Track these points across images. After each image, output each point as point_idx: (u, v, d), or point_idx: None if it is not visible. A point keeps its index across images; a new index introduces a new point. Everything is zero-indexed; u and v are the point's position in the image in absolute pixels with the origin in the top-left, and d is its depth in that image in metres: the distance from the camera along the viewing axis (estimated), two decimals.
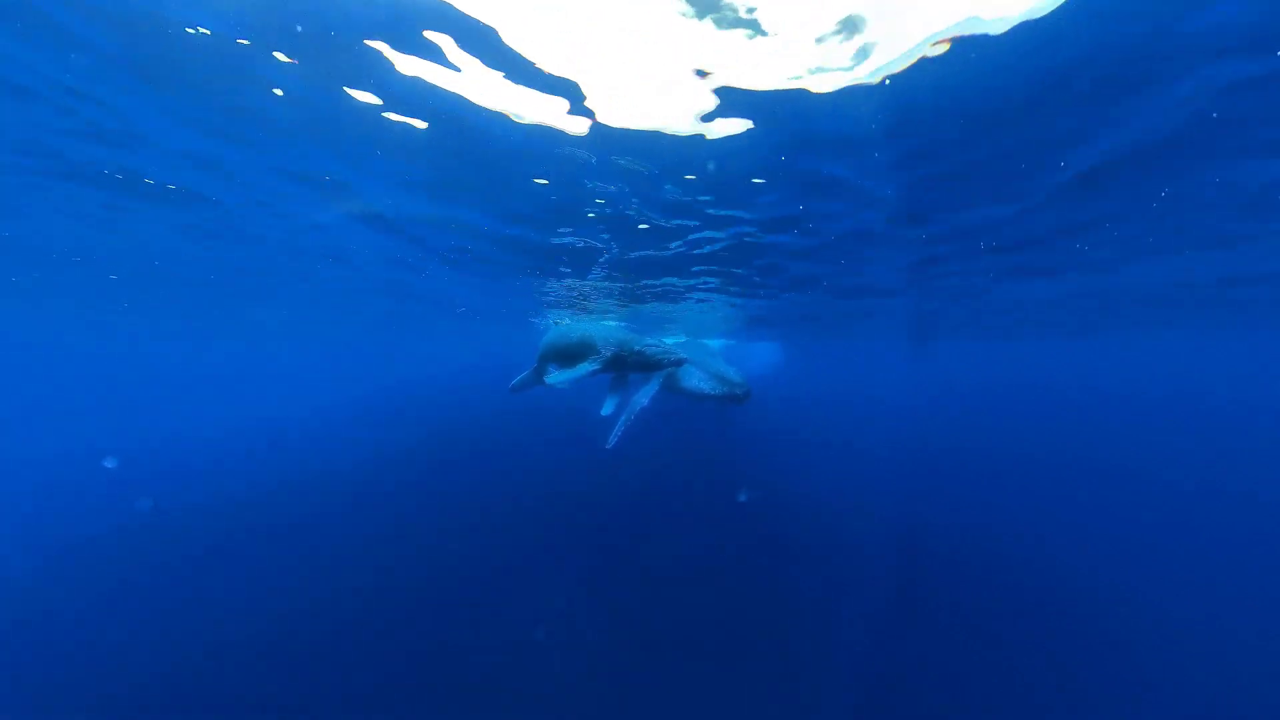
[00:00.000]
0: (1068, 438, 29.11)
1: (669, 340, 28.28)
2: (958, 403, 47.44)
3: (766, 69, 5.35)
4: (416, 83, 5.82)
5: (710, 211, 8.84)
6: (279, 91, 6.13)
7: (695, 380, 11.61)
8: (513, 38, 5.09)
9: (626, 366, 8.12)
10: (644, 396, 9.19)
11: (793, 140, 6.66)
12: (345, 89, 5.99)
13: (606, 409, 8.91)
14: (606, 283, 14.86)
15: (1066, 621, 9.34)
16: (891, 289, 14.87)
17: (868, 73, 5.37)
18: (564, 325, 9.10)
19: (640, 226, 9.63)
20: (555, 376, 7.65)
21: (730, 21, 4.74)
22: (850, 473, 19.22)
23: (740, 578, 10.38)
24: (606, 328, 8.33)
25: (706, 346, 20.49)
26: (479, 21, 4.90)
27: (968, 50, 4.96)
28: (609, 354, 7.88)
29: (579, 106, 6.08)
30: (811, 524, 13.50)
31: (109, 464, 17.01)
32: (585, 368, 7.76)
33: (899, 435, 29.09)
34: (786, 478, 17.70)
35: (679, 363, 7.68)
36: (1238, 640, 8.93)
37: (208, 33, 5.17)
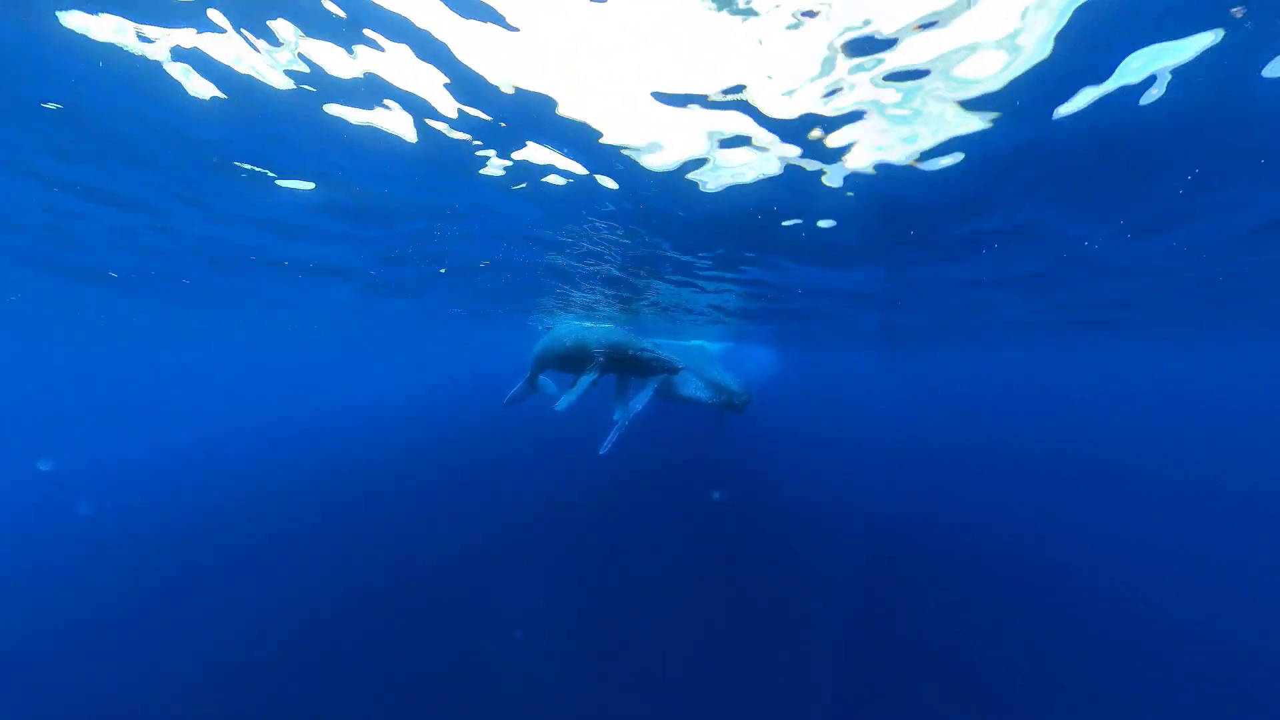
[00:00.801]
0: (1055, 440, 29.07)
1: (693, 344, 28.35)
2: (945, 406, 47.35)
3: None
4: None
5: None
6: None
7: (692, 388, 11.64)
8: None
9: (623, 369, 7.92)
10: (638, 403, 9.18)
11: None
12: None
13: (617, 414, 8.79)
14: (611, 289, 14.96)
15: (1052, 617, 9.34)
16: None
17: None
18: (557, 330, 8.96)
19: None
20: (561, 402, 7.37)
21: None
22: (840, 473, 19.23)
23: (731, 580, 10.37)
24: (601, 330, 8.08)
25: (705, 350, 20.55)
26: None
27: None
28: (603, 358, 7.71)
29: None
30: (802, 524, 13.50)
31: (43, 466, 16.37)
32: (585, 381, 7.50)
33: (888, 437, 29.05)
34: (777, 479, 17.71)
35: (675, 369, 7.43)
36: (1220, 634, 8.95)
37: None
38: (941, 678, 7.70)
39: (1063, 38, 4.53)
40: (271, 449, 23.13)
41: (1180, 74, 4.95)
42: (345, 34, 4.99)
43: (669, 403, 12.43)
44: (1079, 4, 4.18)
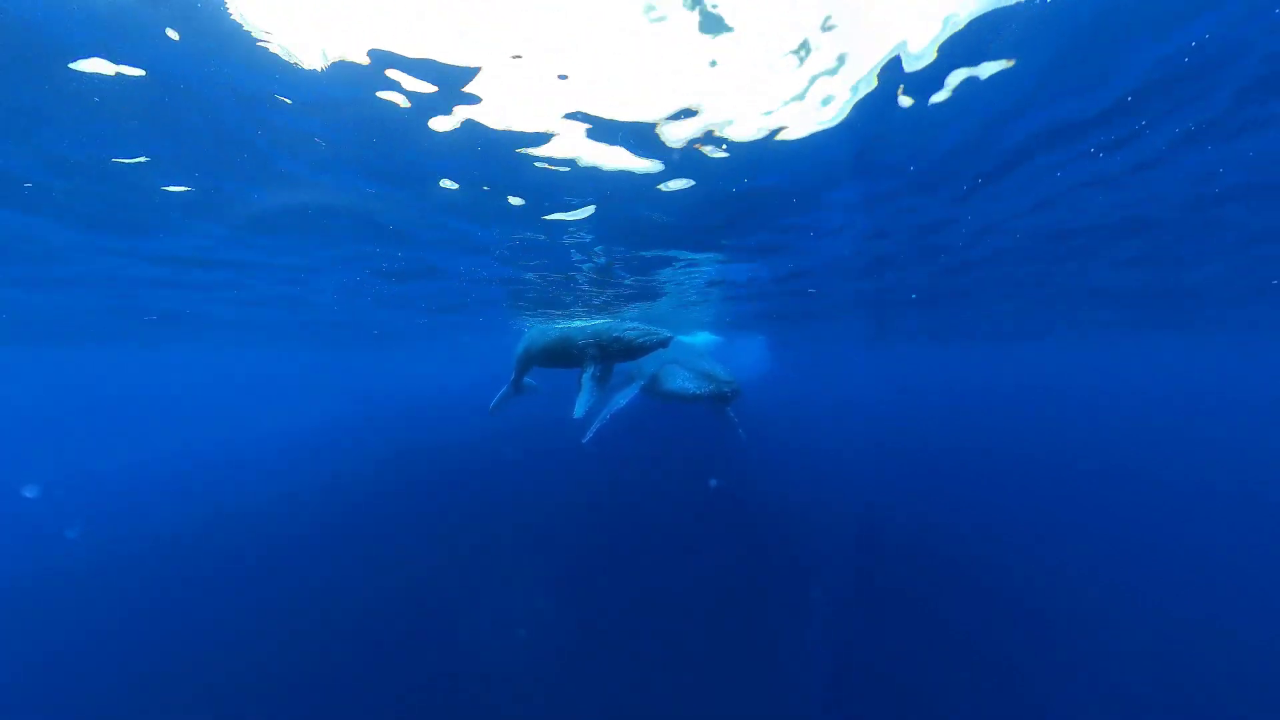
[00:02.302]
0: (1044, 438, 29.20)
1: (699, 337, 27.69)
2: (934, 404, 47.77)
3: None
4: None
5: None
6: None
7: (679, 380, 11.21)
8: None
9: (611, 356, 7.74)
10: (622, 398, 8.95)
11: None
12: None
13: (615, 404, 9.03)
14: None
15: (1051, 613, 9.29)
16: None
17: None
18: (539, 327, 8.76)
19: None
20: (578, 408, 7.23)
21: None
22: (836, 473, 19.15)
23: (728, 580, 10.21)
24: (582, 323, 8.04)
25: (692, 345, 20.13)
26: None
27: None
28: (592, 349, 7.59)
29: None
30: (792, 522, 13.39)
31: (29, 493, 15.20)
32: (589, 378, 7.42)
33: (877, 435, 29.08)
34: (773, 479, 17.49)
35: (665, 341, 7.28)
36: (1219, 630, 8.94)
37: None
38: (941, 676, 7.55)
39: None
40: (260, 457, 22.54)
41: None
42: None
43: (655, 401, 12.05)
44: None
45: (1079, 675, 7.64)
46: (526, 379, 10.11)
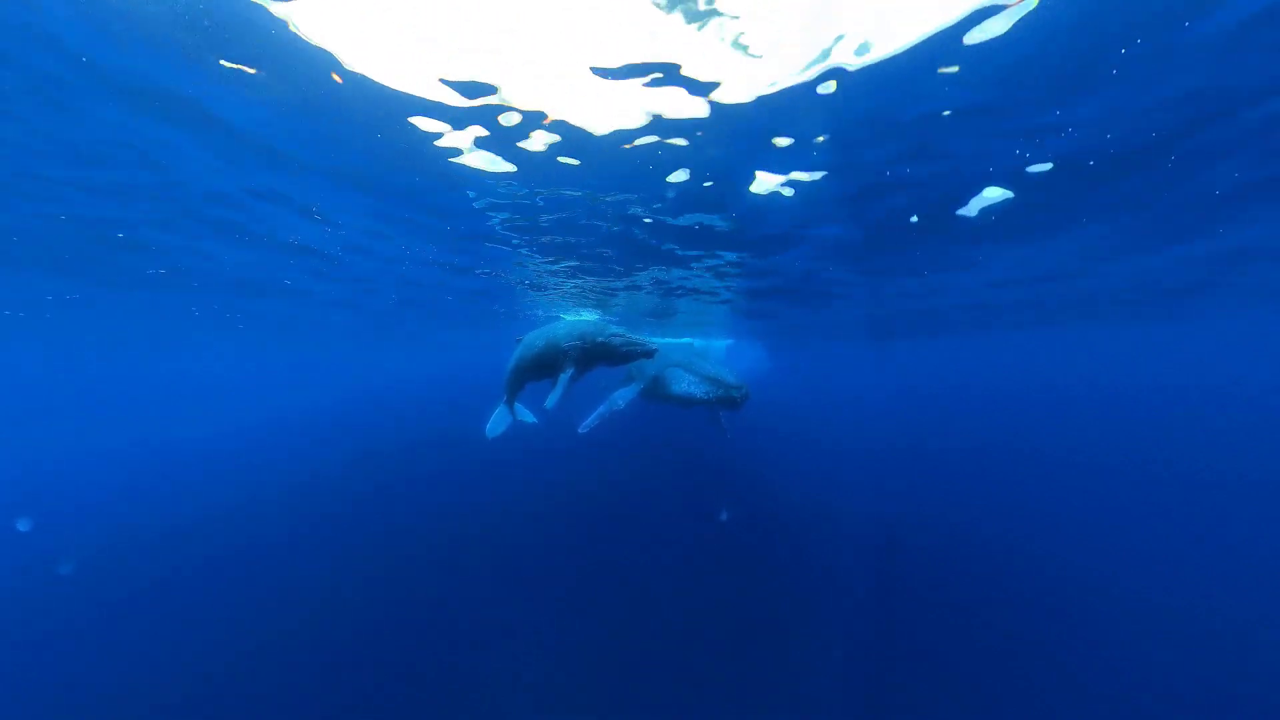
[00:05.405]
0: (1041, 432, 27.95)
1: (682, 341, 27.13)
2: (932, 400, 46.46)
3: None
4: None
5: None
6: None
7: (685, 384, 10.62)
8: None
9: (594, 360, 7.66)
10: (620, 400, 8.58)
11: None
12: None
13: (614, 403, 9.28)
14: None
15: (1047, 611, 8.95)
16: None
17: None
18: (526, 339, 8.68)
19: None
20: (550, 400, 7.38)
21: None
22: (831, 471, 18.49)
23: (725, 581, 9.75)
24: (569, 324, 7.89)
25: (696, 347, 19.51)
26: None
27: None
28: (575, 352, 7.48)
29: None
30: (794, 523, 12.89)
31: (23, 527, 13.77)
32: (565, 378, 7.45)
33: (877, 433, 28.27)
34: (773, 481, 16.89)
35: (650, 352, 7.20)
36: (1219, 626, 8.48)
37: None
38: (947, 683, 7.14)
39: None
40: (243, 454, 22.50)
41: None
42: None
43: (657, 404, 11.37)
44: None
45: (1118, 696, 7.02)
46: (519, 406, 10.00)
